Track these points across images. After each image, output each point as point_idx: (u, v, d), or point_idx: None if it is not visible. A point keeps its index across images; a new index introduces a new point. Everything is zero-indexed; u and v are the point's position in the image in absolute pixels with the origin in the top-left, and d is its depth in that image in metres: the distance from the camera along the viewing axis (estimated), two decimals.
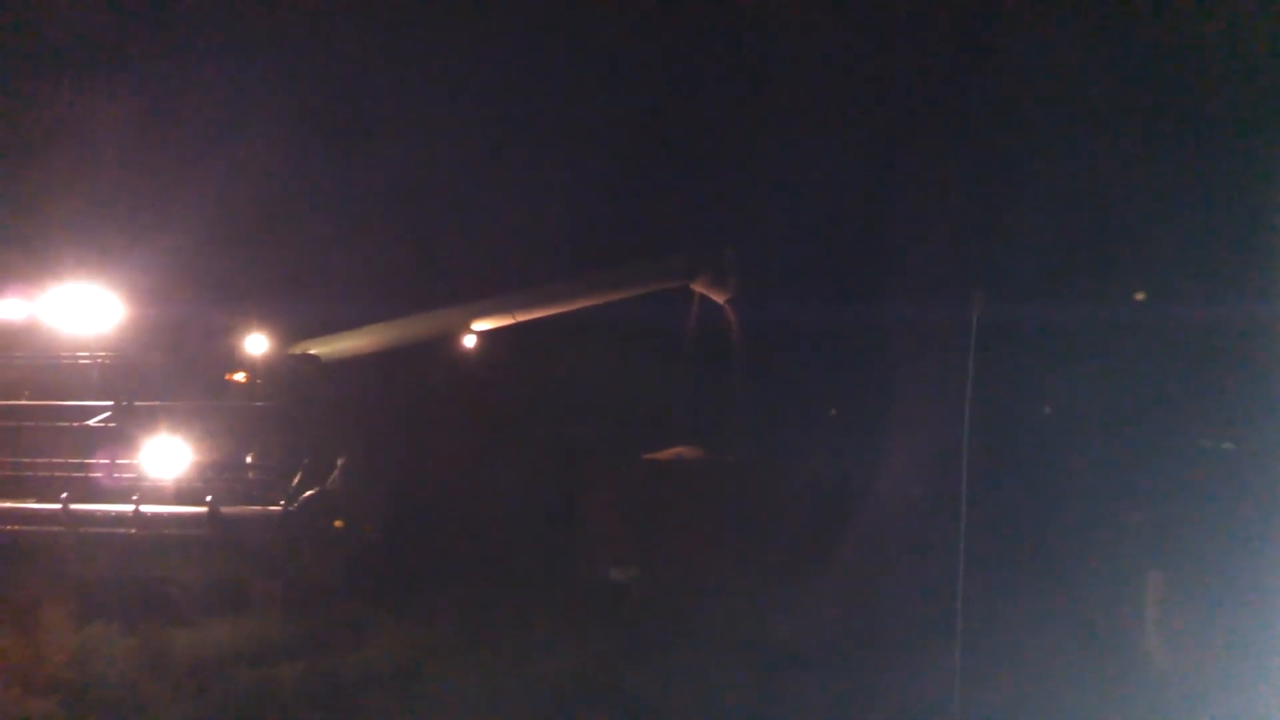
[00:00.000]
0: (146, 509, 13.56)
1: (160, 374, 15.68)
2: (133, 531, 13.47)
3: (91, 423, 14.95)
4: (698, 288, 18.11)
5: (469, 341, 18.53)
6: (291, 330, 17.42)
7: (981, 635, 10.32)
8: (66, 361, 15.77)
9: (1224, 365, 13.26)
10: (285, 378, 16.58)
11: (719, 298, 18.21)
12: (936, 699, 10.15)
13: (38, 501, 13.93)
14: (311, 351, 17.31)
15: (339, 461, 14.78)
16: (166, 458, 14.29)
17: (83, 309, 15.19)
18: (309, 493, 14.27)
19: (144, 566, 13.45)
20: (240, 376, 16.74)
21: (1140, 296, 14.20)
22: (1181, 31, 14.33)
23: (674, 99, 20.30)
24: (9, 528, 13.64)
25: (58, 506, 13.48)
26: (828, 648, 11.94)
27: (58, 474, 14.25)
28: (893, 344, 16.70)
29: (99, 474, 14.28)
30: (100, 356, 15.77)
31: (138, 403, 15.08)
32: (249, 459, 14.97)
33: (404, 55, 20.84)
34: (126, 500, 13.65)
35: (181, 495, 14.05)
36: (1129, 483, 13.01)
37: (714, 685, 11.22)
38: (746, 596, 13.36)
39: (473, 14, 20.19)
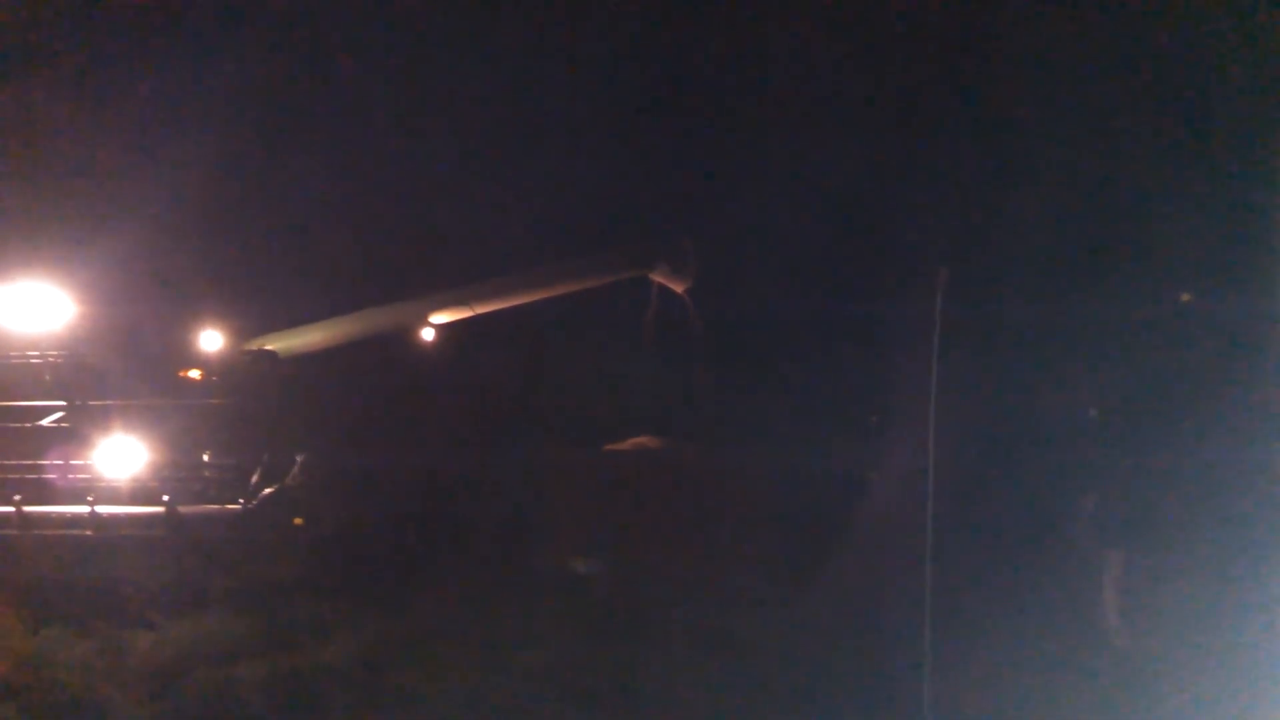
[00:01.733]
0: (102, 510, 13.37)
1: (114, 372, 15.46)
2: (88, 533, 13.28)
3: (44, 423, 14.73)
4: (657, 277, 18.17)
5: (428, 334, 18.48)
6: (247, 326, 17.26)
7: (952, 624, 10.40)
8: (17, 361, 15.48)
9: (1192, 356, 13.44)
10: (241, 374, 16.41)
11: (678, 287, 18.28)
12: (907, 692, 10.22)
13: None
14: (268, 347, 17.15)
15: (298, 458, 14.67)
16: (122, 457, 14.09)
17: (32, 307, 14.88)
18: (268, 490, 14.16)
19: (100, 568, 13.24)
20: (195, 374, 16.54)
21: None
22: (1172, 37, 14.45)
23: (630, 89, 20.26)
24: None
25: (10, 509, 13.25)
26: (795, 640, 11.99)
27: (10, 476, 13.98)
28: (858, 333, 16.80)
29: (53, 475, 14.05)
30: (51, 355, 15.51)
31: (91, 402, 14.87)
32: (206, 457, 14.79)
33: (358, 47, 20.67)
34: (81, 501, 13.46)
35: (137, 495, 13.87)
36: (1092, 468, 13.15)
37: (679, 677, 11.26)
38: (711, 587, 13.41)
39: (426, 6, 20.05)
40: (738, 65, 20.64)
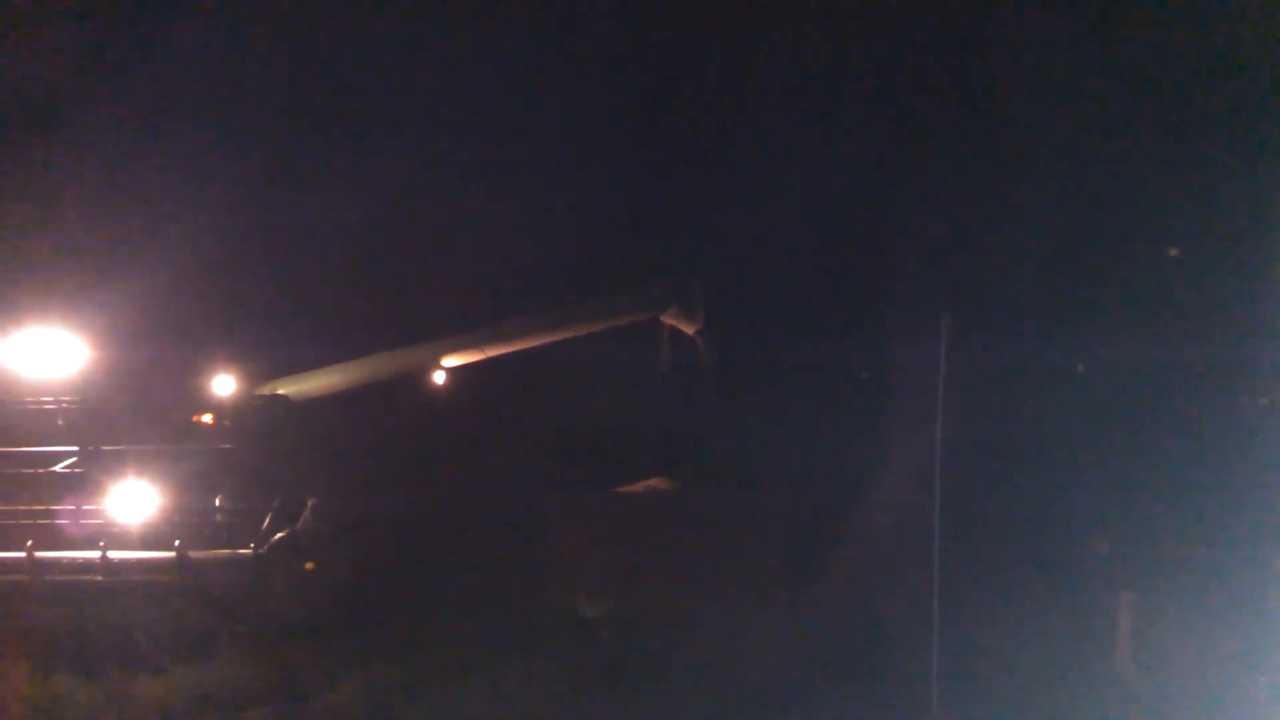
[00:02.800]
0: (113, 555, 13.39)
1: (126, 418, 15.53)
2: (99, 578, 13.30)
3: (57, 469, 14.78)
4: (667, 320, 18.19)
5: (439, 378, 18.51)
6: (259, 370, 17.31)
7: (958, 665, 10.32)
8: (30, 406, 15.58)
9: (1196, 393, 13.41)
10: (253, 419, 16.45)
11: (689, 329, 18.30)
12: None
13: (1, 550, 13.70)
14: (280, 391, 17.21)
15: (309, 502, 14.68)
16: (133, 502, 14.12)
17: (46, 353, 15.01)
18: (279, 535, 14.16)
19: (111, 613, 13.25)
20: (208, 418, 16.58)
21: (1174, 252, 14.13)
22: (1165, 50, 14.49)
23: (642, 135, 20.40)
24: None
25: (22, 555, 13.29)
26: (802, 679, 11.90)
27: (22, 521, 14.02)
28: (864, 373, 16.81)
29: (64, 520, 14.07)
30: (65, 401, 15.60)
31: (104, 447, 14.93)
32: (217, 502, 14.82)
33: (372, 94, 20.91)
34: (93, 547, 13.48)
35: (149, 540, 13.88)
36: (1101, 508, 13.10)
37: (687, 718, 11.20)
38: (720, 629, 13.34)
39: (432, 47, 20.25)
40: (749, 112, 20.80)
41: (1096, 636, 12.05)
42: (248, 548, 13.89)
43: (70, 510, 14.15)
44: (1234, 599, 11.01)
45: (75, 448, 14.96)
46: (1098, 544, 12.70)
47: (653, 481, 17.24)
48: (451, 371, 18.52)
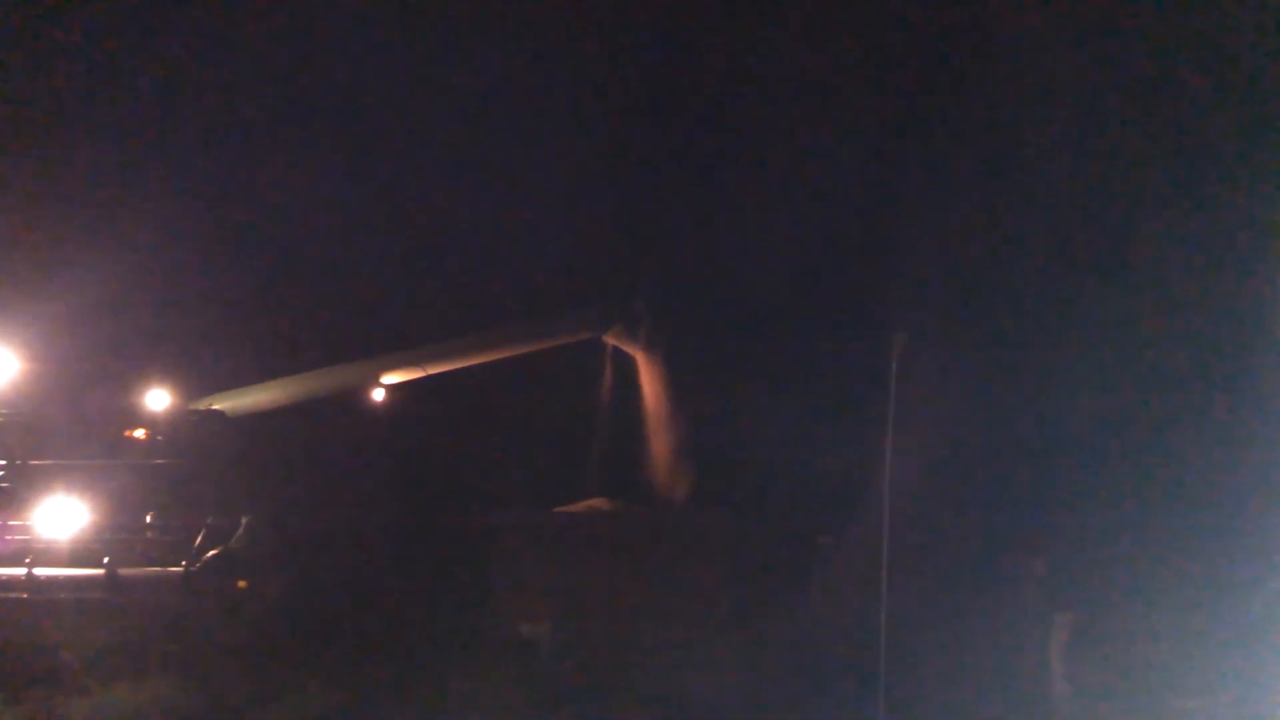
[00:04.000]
0: (40, 572, 13.10)
1: (55, 431, 15.21)
2: (24, 596, 13.00)
3: None
4: (610, 339, 18.23)
5: (379, 395, 18.38)
6: (194, 385, 17.09)
7: (906, 683, 10.37)
8: None
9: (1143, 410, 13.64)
10: (187, 434, 16.20)
11: (631, 349, 18.35)
12: None
13: None
14: (215, 407, 16.97)
15: (243, 520, 14.45)
16: (61, 518, 13.82)
17: None
18: (212, 552, 13.92)
19: (37, 632, 12.92)
20: (140, 433, 16.30)
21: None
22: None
23: (587, 155, 20.44)
24: None
25: None
26: (747, 702, 11.90)
27: None
28: (808, 391, 16.90)
29: None
30: None
31: (31, 461, 14.60)
32: (149, 519, 14.54)
33: (311, 107, 20.76)
34: (18, 563, 13.17)
35: (77, 557, 13.58)
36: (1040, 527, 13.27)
37: None
38: (660, 651, 13.33)
39: (377, 69, 20.18)
40: (695, 132, 20.94)
41: (1031, 657, 12.18)
42: (179, 566, 13.63)
43: None
44: (1167, 619, 11.21)
45: (2, 461, 14.61)
46: (1034, 563, 12.86)
47: (594, 502, 17.21)
48: (391, 389, 18.41)
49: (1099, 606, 12.04)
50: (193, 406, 16.82)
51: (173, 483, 15.09)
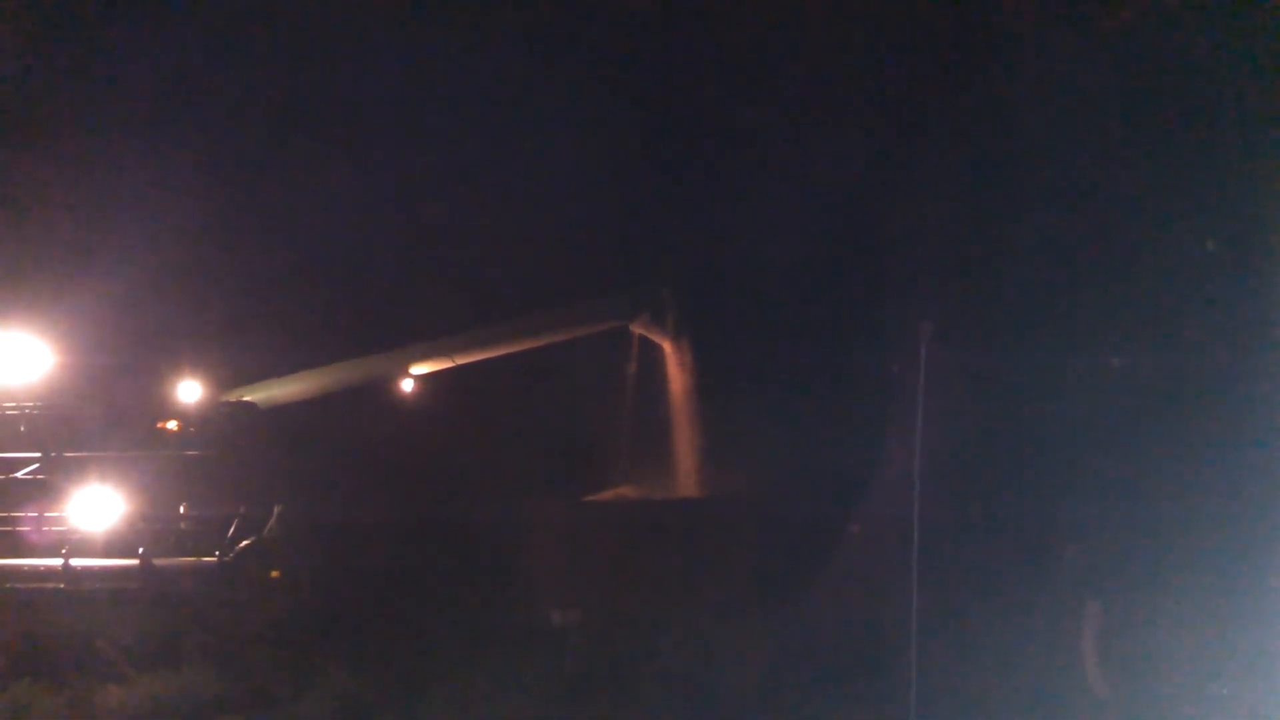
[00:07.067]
0: (76, 562, 13.23)
1: (90, 424, 15.37)
2: (61, 586, 13.13)
3: (18, 475, 14.59)
4: (637, 328, 18.24)
5: (408, 385, 18.46)
6: (226, 377, 17.21)
7: (936, 673, 10.32)
8: None
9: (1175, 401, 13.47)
10: (220, 425, 16.33)
11: (658, 338, 18.35)
12: None
13: None
14: (247, 398, 17.09)
15: (276, 510, 14.56)
16: (96, 510, 13.94)
17: (9, 358, 14.81)
18: (245, 542, 14.03)
19: (73, 621, 13.08)
20: (173, 425, 16.45)
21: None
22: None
23: (613, 143, 20.41)
24: None
25: None
26: (775, 688, 11.89)
27: None
28: (837, 380, 16.79)
29: (26, 528, 13.90)
30: (27, 407, 15.43)
31: (66, 454, 14.75)
32: (182, 509, 14.66)
33: (337, 98, 20.82)
34: (55, 554, 13.32)
35: (112, 548, 13.72)
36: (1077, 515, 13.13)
37: None
38: (691, 639, 13.32)
39: (399, 56, 20.20)
40: (719, 120, 20.83)
41: (1064, 644, 12.09)
42: (213, 555, 13.74)
43: (32, 517, 13.97)
44: (1204, 605, 11.09)
45: (38, 454, 14.76)
46: (1069, 550, 12.74)
47: (622, 490, 17.25)
48: (420, 379, 18.49)
49: (1134, 593, 11.92)
50: (225, 398, 16.94)
51: (206, 473, 15.19)
